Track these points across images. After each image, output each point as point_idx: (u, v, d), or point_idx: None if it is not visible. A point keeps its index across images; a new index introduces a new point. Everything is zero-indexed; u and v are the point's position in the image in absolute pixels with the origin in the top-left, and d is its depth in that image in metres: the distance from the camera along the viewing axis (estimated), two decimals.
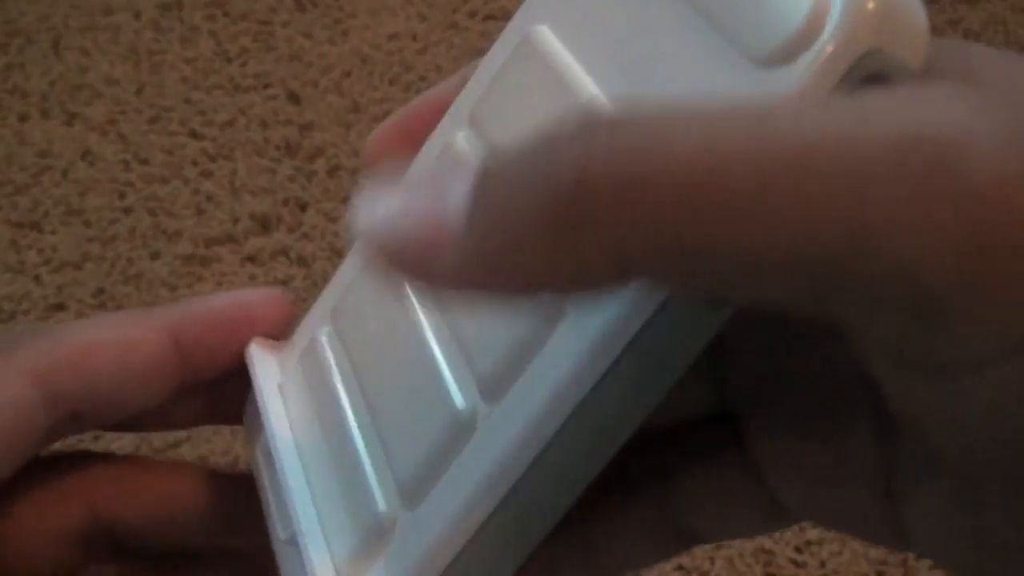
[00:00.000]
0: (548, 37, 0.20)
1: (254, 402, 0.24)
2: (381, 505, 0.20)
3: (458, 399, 0.19)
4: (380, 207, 0.16)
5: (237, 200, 0.83)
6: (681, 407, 0.21)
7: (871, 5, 0.15)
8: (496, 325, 0.19)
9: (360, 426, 0.21)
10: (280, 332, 0.25)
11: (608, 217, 0.14)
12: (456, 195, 0.15)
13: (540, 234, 0.14)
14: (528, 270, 0.15)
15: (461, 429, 0.19)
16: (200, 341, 0.24)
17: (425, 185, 0.16)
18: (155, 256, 0.80)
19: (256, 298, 0.25)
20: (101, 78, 0.89)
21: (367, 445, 0.21)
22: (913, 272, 0.13)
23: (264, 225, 0.82)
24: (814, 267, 0.14)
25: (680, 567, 0.68)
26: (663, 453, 0.22)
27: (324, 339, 0.24)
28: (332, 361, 0.23)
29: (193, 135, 0.86)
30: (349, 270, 0.24)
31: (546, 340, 0.18)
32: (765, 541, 0.68)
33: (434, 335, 0.20)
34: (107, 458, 0.26)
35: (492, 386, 0.18)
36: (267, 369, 0.24)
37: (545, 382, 0.18)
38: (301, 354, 0.24)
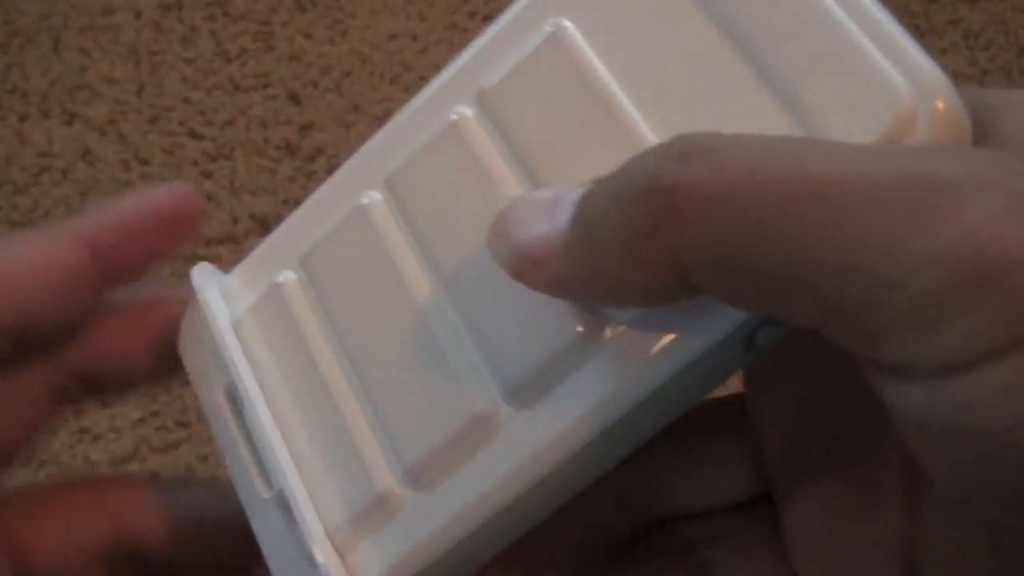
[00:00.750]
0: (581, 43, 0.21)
1: (205, 336, 0.23)
2: (383, 482, 0.20)
3: (481, 399, 0.19)
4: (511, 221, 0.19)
5: (237, 200, 0.83)
6: (719, 491, 0.23)
7: (941, 105, 0.18)
8: (531, 331, 0.19)
9: (350, 395, 0.21)
10: (191, 227, 0.26)
11: (667, 228, 0.16)
12: (562, 217, 0.18)
13: (618, 248, 0.17)
14: (609, 284, 0.17)
15: (482, 430, 0.19)
16: (115, 246, 0.25)
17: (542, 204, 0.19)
18: None
19: (165, 195, 0.26)
20: (101, 78, 0.89)
21: (363, 416, 0.21)
22: (903, 282, 0.15)
23: (264, 225, 0.82)
24: (816, 281, 0.16)
25: None
26: (695, 528, 0.23)
27: (292, 287, 0.23)
28: (308, 315, 0.23)
29: (193, 135, 0.86)
30: (318, 216, 0.23)
31: (591, 357, 0.19)
32: None
33: (447, 326, 0.20)
34: (133, 478, 0.26)
35: (521, 392, 0.19)
36: (217, 303, 0.24)
37: (585, 399, 0.18)
38: (260, 297, 0.24)
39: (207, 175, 0.84)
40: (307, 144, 0.85)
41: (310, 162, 0.84)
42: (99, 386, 0.26)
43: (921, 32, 0.89)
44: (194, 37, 0.91)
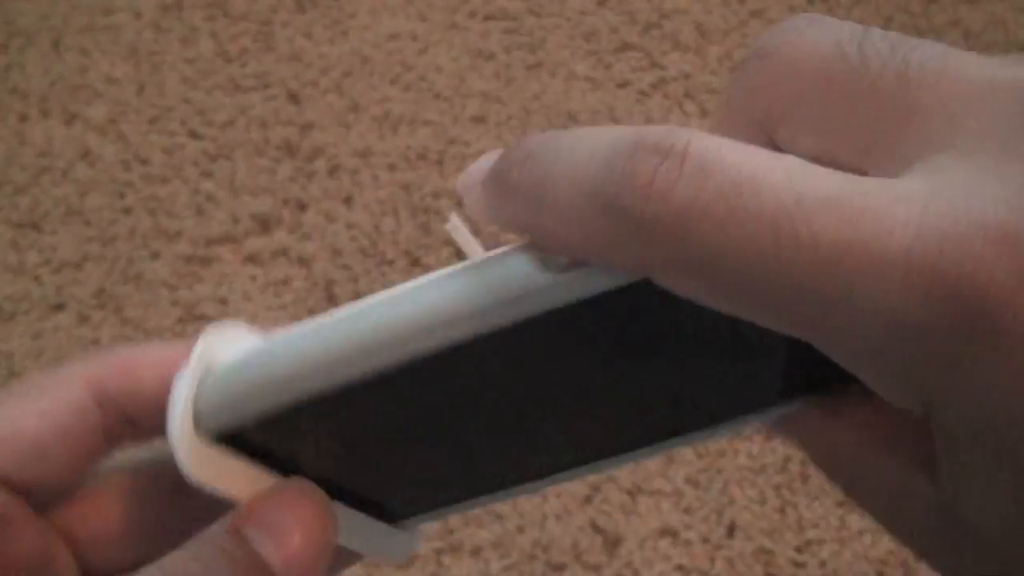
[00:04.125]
0: None
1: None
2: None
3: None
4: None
5: (237, 200, 0.83)
6: None
7: None
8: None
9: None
10: None
11: (651, 234, 0.17)
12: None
13: (586, 211, 0.17)
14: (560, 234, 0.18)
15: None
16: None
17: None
18: (155, 256, 0.80)
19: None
20: (101, 78, 0.89)
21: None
22: (886, 309, 0.16)
23: (264, 225, 0.82)
24: (802, 316, 0.17)
25: (680, 567, 0.68)
26: None
27: None
28: None
29: (193, 135, 0.86)
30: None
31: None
32: (765, 541, 0.68)
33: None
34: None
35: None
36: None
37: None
38: None
39: (207, 175, 0.84)
40: (307, 144, 0.85)
41: (310, 162, 0.84)
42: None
43: (921, 32, 0.89)
44: (194, 37, 0.91)
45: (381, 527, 0.26)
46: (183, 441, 0.22)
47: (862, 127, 0.18)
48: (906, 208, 0.16)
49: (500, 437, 0.23)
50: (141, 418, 0.25)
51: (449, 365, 0.20)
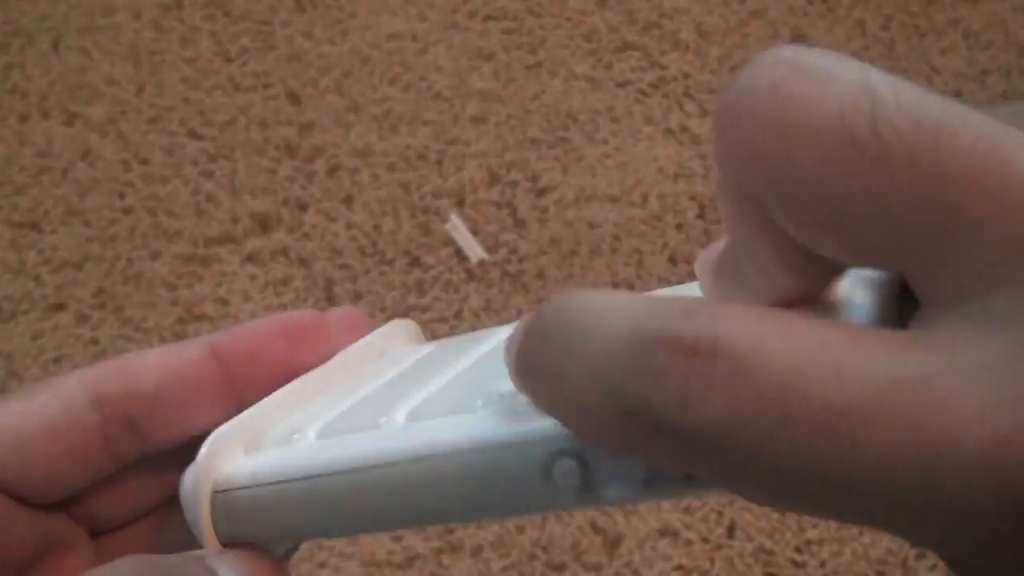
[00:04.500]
0: None
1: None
2: (309, 430, 0.24)
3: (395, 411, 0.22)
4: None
5: (237, 200, 0.83)
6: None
7: None
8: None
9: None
10: (323, 340, 0.26)
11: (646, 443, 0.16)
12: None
13: (610, 411, 0.16)
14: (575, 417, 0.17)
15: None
16: (238, 351, 0.25)
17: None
18: (155, 256, 0.80)
19: (295, 312, 0.26)
20: (101, 78, 0.89)
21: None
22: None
23: (264, 225, 0.82)
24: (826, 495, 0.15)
25: (680, 567, 0.68)
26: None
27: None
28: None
29: (193, 135, 0.86)
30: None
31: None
32: (765, 541, 0.68)
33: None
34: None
35: (414, 415, 0.22)
36: None
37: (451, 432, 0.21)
38: None
39: (207, 175, 0.84)
40: (307, 144, 0.85)
41: (310, 162, 0.84)
42: None
43: (921, 32, 0.89)
44: (194, 37, 0.91)
45: None
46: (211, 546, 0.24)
47: (889, 238, 0.15)
48: (976, 399, 0.14)
49: None
50: (140, 417, 0.24)
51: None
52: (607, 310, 0.16)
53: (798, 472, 0.15)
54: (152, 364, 0.24)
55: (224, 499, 0.23)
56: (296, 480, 0.22)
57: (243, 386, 0.25)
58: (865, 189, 0.15)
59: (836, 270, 0.17)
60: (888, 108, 0.15)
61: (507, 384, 0.19)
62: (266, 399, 0.25)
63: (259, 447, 0.24)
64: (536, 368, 0.17)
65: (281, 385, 0.25)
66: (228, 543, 0.23)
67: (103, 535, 0.26)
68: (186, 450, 0.24)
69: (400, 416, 0.22)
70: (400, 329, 0.28)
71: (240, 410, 0.25)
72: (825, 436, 0.14)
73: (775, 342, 0.15)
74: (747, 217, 0.17)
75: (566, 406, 0.17)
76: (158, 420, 0.24)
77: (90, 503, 0.25)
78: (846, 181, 0.15)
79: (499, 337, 0.25)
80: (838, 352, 0.15)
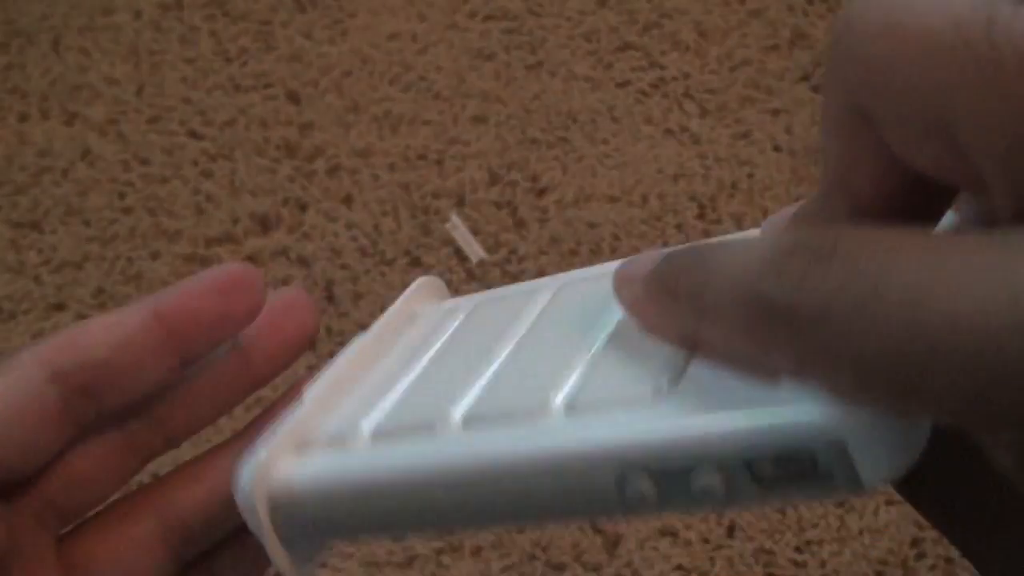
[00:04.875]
0: None
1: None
2: (362, 427, 0.24)
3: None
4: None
5: (237, 200, 0.83)
6: None
7: None
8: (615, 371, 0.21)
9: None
10: (259, 299, 0.27)
11: (808, 342, 0.16)
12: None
13: (741, 323, 0.17)
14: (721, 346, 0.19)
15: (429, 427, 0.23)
16: (179, 311, 0.26)
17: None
18: (155, 256, 0.80)
19: (229, 265, 0.28)
20: (101, 78, 0.89)
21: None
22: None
23: (264, 225, 0.82)
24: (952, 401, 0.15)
25: (680, 567, 0.68)
26: None
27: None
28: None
29: (193, 135, 0.86)
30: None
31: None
32: (765, 541, 0.68)
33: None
34: (171, 475, 0.28)
35: (469, 420, 0.22)
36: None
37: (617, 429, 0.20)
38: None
39: (207, 175, 0.84)
40: (307, 144, 0.85)
41: (310, 162, 0.84)
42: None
43: None
44: (194, 37, 0.91)
45: None
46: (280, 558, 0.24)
47: (991, 145, 0.16)
48: None
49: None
50: (99, 386, 0.25)
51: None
52: (748, 241, 0.18)
53: (880, 351, 0.15)
54: (100, 335, 0.25)
55: (284, 503, 0.23)
56: (361, 484, 0.22)
57: (186, 342, 0.26)
58: (974, 93, 0.15)
59: (932, 204, 0.18)
60: (1004, 17, 0.15)
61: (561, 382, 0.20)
62: (310, 389, 0.25)
63: (310, 445, 0.24)
64: (677, 288, 0.19)
65: (221, 331, 0.27)
66: (288, 544, 0.24)
67: (68, 538, 0.26)
68: (130, 410, 0.27)
69: (457, 415, 0.22)
70: (424, 287, 0.29)
71: (185, 364, 0.26)
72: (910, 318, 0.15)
73: (885, 242, 0.16)
74: (852, 136, 0.18)
75: (703, 316, 0.19)
76: (112, 385, 0.26)
77: (51, 484, 0.26)
78: (956, 85, 0.15)
79: (536, 304, 0.25)
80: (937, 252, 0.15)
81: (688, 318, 0.19)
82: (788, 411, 0.17)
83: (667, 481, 0.19)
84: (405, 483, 0.22)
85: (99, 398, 0.26)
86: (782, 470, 0.18)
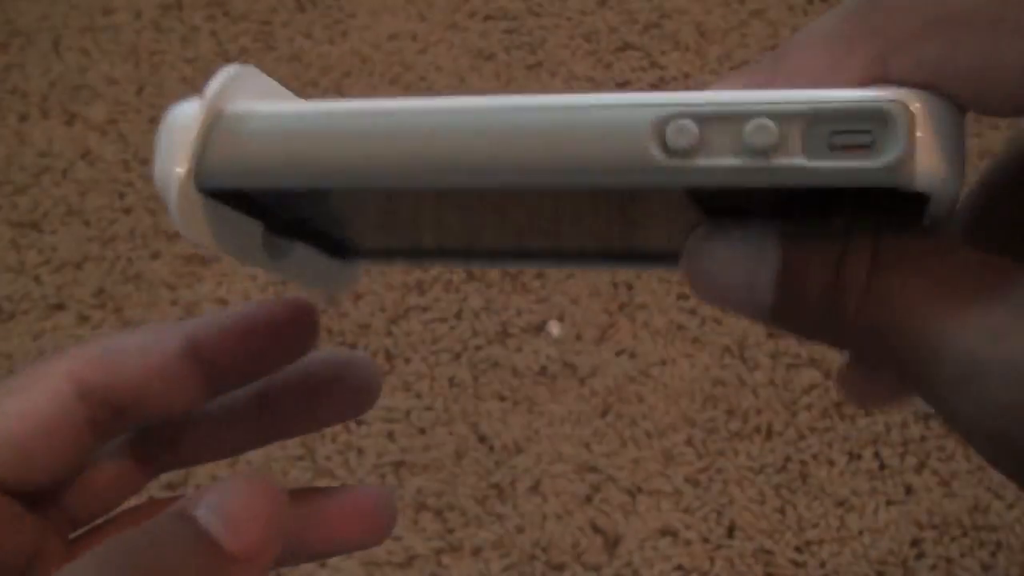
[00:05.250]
0: None
1: None
2: None
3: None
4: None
5: None
6: None
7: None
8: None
9: None
10: (304, 339, 0.26)
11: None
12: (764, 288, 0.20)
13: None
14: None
15: None
16: (216, 344, 0.26)
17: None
18: (155, 256, 0.80)
19: (275, 305, 0.27)
20: (101, 78, 0.89)
21: None
22: None
23: None
24: None
25: (680, 567, 0.68)
26: None
27: None
28: None
29: None
30: None
31: None
32: (765, 541, 0.68)
33: None
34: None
35: None
36: None
37: None
38: None
39: None
40: None
41: None
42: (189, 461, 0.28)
43: None
44: (194, 37, 0.91)
45: (330, 262, 0.27)
46: (178, 190, 0.20)
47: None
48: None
49: (470, 218, 0.23)
50: (126, 407, 0.25)
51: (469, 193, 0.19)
52: None
53: None
54: (135, 358, 0.25)
55: (231, 120, 0.20)
56: (327, 117, 0.19)
57: (217, 379, 0.26)
58: None
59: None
60: None
61: None
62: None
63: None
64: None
65: (255, 368, 0.26)
66: (209, 175, 0.20)
67: (77, 541, 0.27)
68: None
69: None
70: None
71: (216, 394, 0.26)
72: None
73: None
74: (848, 49, 0.18)
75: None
76: (139, 408, 0.26)
77: (70, 496, 0.26)
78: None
79: None
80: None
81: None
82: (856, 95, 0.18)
83: (714, 128, 0.17)
84: (390, 116, 0.19)
85: (125, 418, 0.26)
86: (839, 134, 0.17)
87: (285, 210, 0.23)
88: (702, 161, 0.17)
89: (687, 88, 0.88)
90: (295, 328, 0.26)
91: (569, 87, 0.88)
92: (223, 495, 0.21)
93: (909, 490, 0.69)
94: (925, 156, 0.17)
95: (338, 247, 0.27)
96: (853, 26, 0.19)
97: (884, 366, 0.19)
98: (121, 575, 0.19)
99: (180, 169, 0.20)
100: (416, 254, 0.26)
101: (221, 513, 0.21)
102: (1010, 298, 0.17)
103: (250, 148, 0.20)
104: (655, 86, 0.88)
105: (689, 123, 0.17)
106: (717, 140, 0.17)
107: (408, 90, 0.88)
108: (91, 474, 0.27)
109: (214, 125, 0.20)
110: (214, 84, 0.21)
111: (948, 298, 0.17)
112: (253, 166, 0.20)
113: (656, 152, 0.18)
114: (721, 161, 0.17)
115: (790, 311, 0.19)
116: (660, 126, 0.17)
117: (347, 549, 0.27)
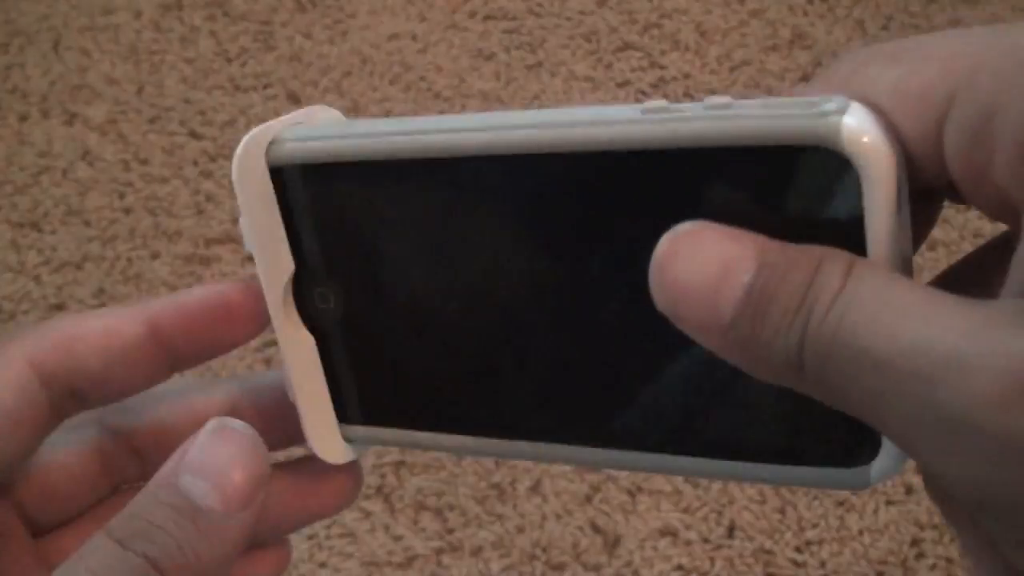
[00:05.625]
0: None
1: None
2: None
3: None
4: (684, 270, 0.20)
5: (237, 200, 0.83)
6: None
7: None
8: None
9: None
10: (257, 320, 0.27)
11: (823, 376, 0.18)
12: (728, 305, 0.20)
13: (775, 366, 0.19)
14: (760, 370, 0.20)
15: None
16: (176, 328, 0.26)
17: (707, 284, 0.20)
18: (155, 256, 0.80)
19: (230, 287, 0.27)
20: (101, 78, 0.89)
21: None
22: None
23: None
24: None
25: (680, 567, 0.68)
26: None
27: None
28: None
29: (193, 135, 0.86)
30: None
31: None
32: (765, 541, 0.68)
33: None
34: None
35: None
36: None
37: None
38: None
39: (207, 175, 0.84)
40: None
41: None
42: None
43: (921, 32, 0.89)
44: (194, 37, 0.91)
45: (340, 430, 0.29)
46: (251, 147, 0.28)
47: None
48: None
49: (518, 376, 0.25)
50: (87, 390, 0.26)
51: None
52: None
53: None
54: (96, 341, 0.26)
55: (290, 135, 0.28)
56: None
57: (177, 358, 0.27)
58: None
59: None
60: None
61: None
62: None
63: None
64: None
65: (212, 350, 0.27)
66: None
67: (45, 534, 0.27)
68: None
69: None
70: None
71: (172, 373, 0.27)
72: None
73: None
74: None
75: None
76: (100, 390, 0.26)
77: (27, 490, 0.27)
78: None
79: None
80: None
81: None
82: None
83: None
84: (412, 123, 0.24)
85: (86, 401, 0.26)
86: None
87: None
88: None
89: (687, 88, 0.88)
90: (250, 309, 0.27)
91: (569, 87, 0.88)
92: (206, 456, 0.23)
93: (909, 490, 0.69)
94: (855, 120, 0.19)
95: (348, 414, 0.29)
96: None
97: (835, 401, 0.19)
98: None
99: (260, 132, 0.29)
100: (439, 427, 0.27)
101: (208, 475, 0.22)
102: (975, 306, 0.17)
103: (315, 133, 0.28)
104: (655, 86, 0.88)
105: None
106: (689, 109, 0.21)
107: (408, 90, 0.88)
108: (56, 479, 0.27)
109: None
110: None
111: (908, 318, 0.17)
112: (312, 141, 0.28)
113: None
114: (686, 113, 0.21)
115: (748, 323, 0.19)
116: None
117: (317, 518, 0.29)
